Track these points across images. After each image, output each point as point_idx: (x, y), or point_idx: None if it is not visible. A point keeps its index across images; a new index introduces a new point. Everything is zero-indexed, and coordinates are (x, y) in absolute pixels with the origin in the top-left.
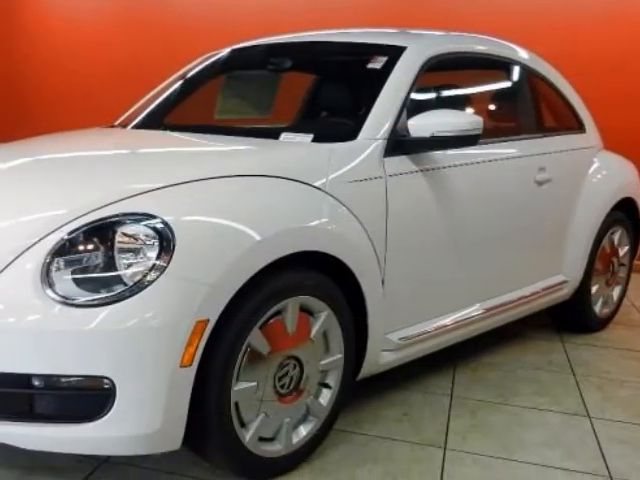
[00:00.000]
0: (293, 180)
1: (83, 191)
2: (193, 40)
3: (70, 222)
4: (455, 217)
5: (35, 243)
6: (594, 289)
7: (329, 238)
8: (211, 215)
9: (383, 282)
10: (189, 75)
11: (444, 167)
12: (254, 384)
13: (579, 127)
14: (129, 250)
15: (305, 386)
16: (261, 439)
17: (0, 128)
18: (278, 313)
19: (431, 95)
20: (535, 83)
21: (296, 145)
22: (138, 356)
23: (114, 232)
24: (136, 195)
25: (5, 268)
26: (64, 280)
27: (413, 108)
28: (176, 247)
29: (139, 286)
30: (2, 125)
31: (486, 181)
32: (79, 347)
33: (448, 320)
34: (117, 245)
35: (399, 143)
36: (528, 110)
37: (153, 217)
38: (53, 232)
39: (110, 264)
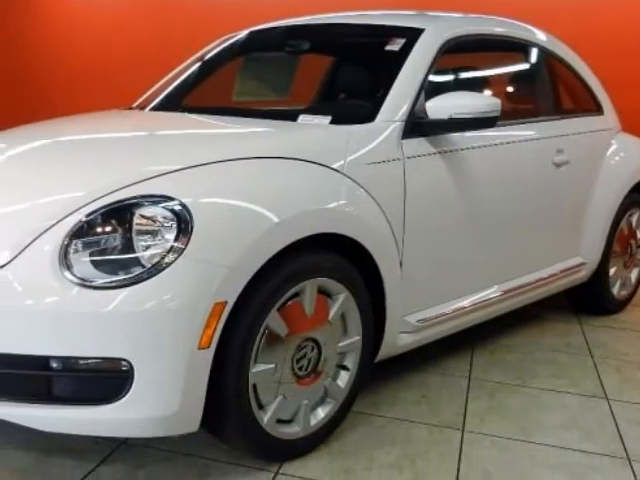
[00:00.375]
0: (311, 162)
1: (101, 173)
2: (211, 22)
3: (88, 204)
4: (473, 199)
5: (53, 225)
6: (612, 271)
7: (347, 220)
8: (229, 197)
9: (401, 264)
10: (207, 57)
11: (462, 149)
12: (272, 366)
13: (597, 109)
14: (147, 232)
15: (323, 368)
16: (279, 421)
17: (18, 110)
18: (296, 295)
19: (449, 77)
20: (553, 65)
21: (314, 127)
22: (156, 338)
23: (132, 214)
24: (154, 177)
25: (23, 250)
26: (82, 262)
27: (431, 90)
28: (194, 229)
29: (157, 268)
30: (20, 107)
31: (504, 163)
32: (97, 329)
33: (466, 302)
34: (135, 227)
35: (417, 125)
36: (546, 92)
37: (171, 199)
38: (71, 214)
39: (128, 246)
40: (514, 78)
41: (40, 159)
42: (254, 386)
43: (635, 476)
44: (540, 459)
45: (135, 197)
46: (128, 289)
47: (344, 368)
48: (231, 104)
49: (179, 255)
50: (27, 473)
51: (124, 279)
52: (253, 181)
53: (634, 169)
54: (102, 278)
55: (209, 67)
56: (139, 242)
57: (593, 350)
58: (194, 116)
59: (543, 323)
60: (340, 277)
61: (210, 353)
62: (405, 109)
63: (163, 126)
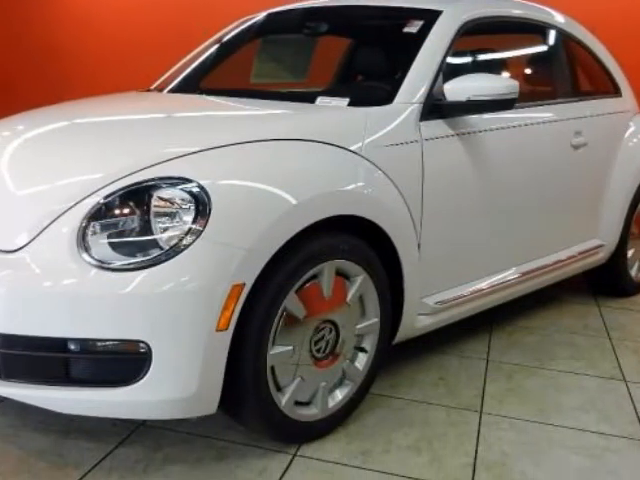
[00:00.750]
0: (329, 144)
1: (119, 155)
2: (230, 4)
3: (106, 186)
4: (491, 181)
5: (71, 207)
6: (630, 253)
7: (365, 202)
8: (247, 179)
9: (419, 246)
10: (225, 39)
11: (480, 131)
12: (290, 348)
13: (615, 91)
14: (165, 214)
15: (341, 350)
16: (297, 403)
17: (37, 91)
18: (314, 277)
19: (467, 59)
20: (571, 47)
21: (332, 109)
22: (174, 320)
23: (150, 196)
24: (172, 159)
25: (41, 232)
26: (100, 244)
27: (449, 72)
28: (212, 211)
29: (175, 250)
30: (39, 88)
31: (522, 145)
32: (115, 311)
33: (484, 284)
34: (153, 209)
35: (435, 107)
36: (564, 74)
37: (189, 181)
38: (89, 196)
39: (146, 228)
40: (532, 60)
41: (58, 141)
42: (272, 368)
43: None
44: (558, 441)
45: (153, 179)
46: (146, 271)
47: (362, 350)
48: (249, 86)
49: (197, 237)
50: (45, 455)
51: (142, 261)
52: (271, 163)
53: None
54: (120, 260)
55: (227, 49)
56: (157, 224)
57: (611, 332)
58: (212, 98)
59: (561, 305)
60: (358, 259)
61: (228, 335)
62: (423, 91)
63: (181, 108)
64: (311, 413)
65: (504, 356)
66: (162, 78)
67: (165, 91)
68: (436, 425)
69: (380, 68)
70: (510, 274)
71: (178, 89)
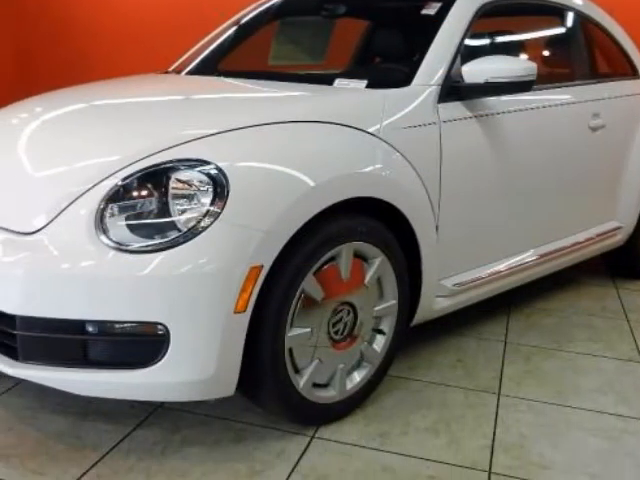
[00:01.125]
0: (347, 126)
1: (137, 137)
2: None
3: (124, 168)
4: (509, 163)
5: (89, 189)
6: None
7: (383, 184)
8: (265, 161)
9: (437, 228)
10: (243, 21)
11: (498, 113)
12: (308, 330)
13: (633, 73)
14: (183, 196)
15: (359, 332)
16: (315, 385)
17: (54, 73)
18: (332, 259)
19: (485, 41)
20: (589, 29)
21: (350, 91)
22: (192, 302)
23: (168, 178)
24: (190, 141)
25: (59, 214)
26: (118, 226)
27: (467, 54)
28: (230, 193)
29: (193, 232)
30: (56, 70)
31: (540, 127)
32: (133, 293)
33: (502, 266)
34: (171, 191)
35: (453, 89)
36: (582, 56)
37: (207, 163)
38: (107, 178)
39: (164, 210)
40: (550, 42)
41: (76, 123)
42: (290, 350)
43: None
44: (576, 423)
45: (171, 161)
46: (164, 253)
47: (380, 332)
48: (267, 68)
49: (215, 219)
50: (63, 437)
51: (160, 243)
52: (289, 145)
53: None
54: (138, 242)
55: (245, 31)
56: (175, 206)
57: (629, 314)
58: (230, 80)
59: (579, 287)
60: (376, 241)
61: (246, 317)
62: (441, 73)
63: (199, 90)
64: (329, 395)
65: (522, 338)
66: (180, 60)
67: (183, 73)
68: (454, 407)
69: (398, 50)
70: (528, 256)
71: (196, 71)
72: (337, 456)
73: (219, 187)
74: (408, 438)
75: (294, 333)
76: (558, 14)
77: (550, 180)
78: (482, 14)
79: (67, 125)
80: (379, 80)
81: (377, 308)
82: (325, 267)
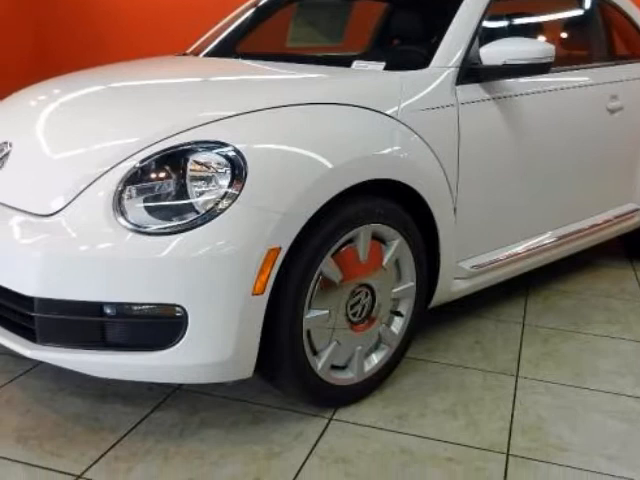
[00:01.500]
0: (365, 108)
1: (155, 119)
2: None
3: (142, 150)
4: (527, 145)
5: (107, 171)
6: None
7: (401, 166)
8: (283, 143)
9: (455, 210)
10: (261, 3)
11: (516, 95)
12: (326, 312)
13: None
14: (201, 178)
15: (377, 314)
16: (333, 367)
17: (72, 56)
18: (350, 241)
19: (503, 23)
20: (606, 10)
21: (368, 73)
22: (210, 284)
23: (186, 160)
24: (208, 123)
25: (77, 196)
26: (136, 208)
27: (485, 36)
28: (248, 175)
29: (211, 214)
30: (74, 53)
31: (558, 109)
32: (151, 275)
33: (520, 248)
34: (189, 173)
35: (471, 71)
36: (599, 38)
37: (225, 145)
38: (125, 160)
39: (182, 192)
40: (567, 24)
41: (94, 105)
42: (308, 332)
43: None
44: (594, 405)
45: (189, 143)
46: (182, 235)
47: (398, 314)
48: (285, 50)
49: (233, 201)
50: (81, 419)
51: (178, 225)
52: (307, 127)
53: None
54: (156, 224)
55: (263, 13)
56: (193, 188)
57: None
58: (248, 62)
59: (597, 269)
60: (394, 223)
61: (264, 299)
62: (459, 55)
63: (217, 72)
64: (347, 377)
65: (540, 320)
66: (198, 42)
67: (201, 55)
68: (472, 389)
69: (416, 32)
70: (546, 238)
71: (214, 53)
72: (355, 438)
73: (237, 169)
74: (426, 420)
75: (312, 315)
76: None
77: (568, 162)
78: None
79: (85, 107)
80: (397, 62)
81: (395, 290)
82: (343, 249)
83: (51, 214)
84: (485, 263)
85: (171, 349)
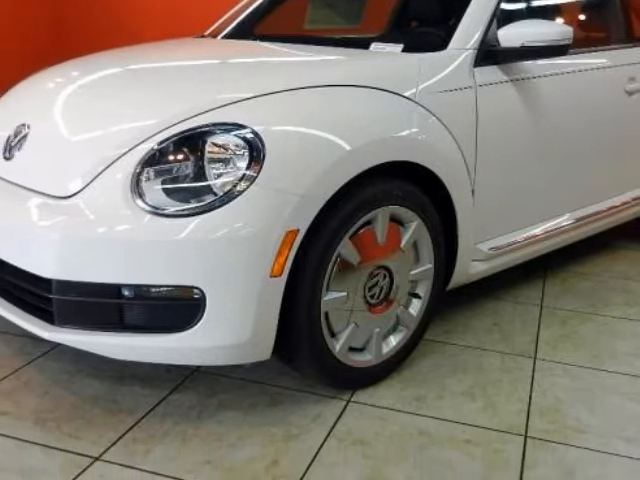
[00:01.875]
0: (383, 90)
1: (173, 101)
2: None
3: (160, 132)
4: (545, 127)
5: (125, 153)
6: None
7: (420, 148)
8: (301, 125)
9: (473, 192)
10: None
11: (534, 77)
12: (344, 294)
13: None
14: (219, 160)
15: (395, 296)
16: (351, 349)
17: (90, 40)
18: (368, 223)
19: (521, 5)
20: None
21: (386, 55)
22: (228, 266)
23: (204, 142)
24: (226, 105)
25: (95, 178)
26: (154, 190)
27: (503, 18)
28: (266, 157)
29: (229, 196)
30: (92, 37)
31: (576, 91)
32: (169, 257)
33: (538, 230)
34: (207, 155)
35: (489, 53)
36: (617, 20)
37: (243, 127)
38: (143, 142)
39: (200, 174)
40: (585, 6)
41: (112, 87)
42: (326, 314)
43: None
44: (612, 387)
45: (207, 125)
46: (200, 217)
47: (416, 296)
48: (303, 32)
49: (251, 183)
50: (99, 401)
51: (196, 207)
52: (325, 109)
53: None
54: (174, 206)
55: None
56: (211, 170)
57: None
58: (266, 44)
59: (615, 251)
60: (412, 205)
61: (282, 281)
62: (477, 37)
63: (235, 54)
64: (365, 359)
65: (558, 302)
66: (216, 24)
67: (219, 37)
68: (490, 371)
69: (434, 14)
70: (564, 220)
71: (232, 35)
72: (373, 420)
73: (255, 151)
74: (444, 402)
75: (330, 297)
76: None
77: (586, 144)
78: None
79: (103, 89)
80: (415, 44)
81: (413, 272)
82: (361, 231)
83: (69, 196)
84: (503, 245)
85: (189, 331)
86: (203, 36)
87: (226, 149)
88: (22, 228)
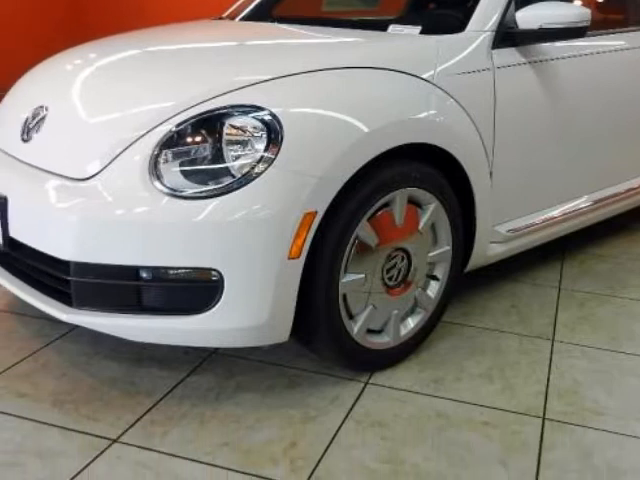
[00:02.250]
0: (401, 72)
1: (191, 83)
2: None
3: (178, 114)
4: (563, 109)
5: (143, 135)
6: None
7: (437, 130)
8: (319, 107)
9: (491, 174)
10: None
11: (552, 59)
12: (362, 276)
13: None
14: (237, 142)
15: (413, 278)
16: (369, 331)
17: (109, 22)
18: (386, 205)
19: None
20: None
21: (404, 37)
22: (246, 248)
23: (222, 124)
24: (244, 87)
25: (113, 160)
26: (172, 172)
27: (521, 0)
28: (284, 139)
29: (247, 178)
30: (111, 19)
31: (594, 73)
32: (187, 239)
33: (556, 212)
34: (225, 137)
35: (507, 35)
36: (636, 1)
37: (261, 109)
38: (161, 124)
39: (218, 156)
40: None
41: (130, 69)
42: (344, 296)
43: None
44: (630, 369)
45: (225, 107)
46: (218, 199)
47: (434, 278)
48: (321, 14)
49: (269, 165)
50: (117, 383)
51: (214, 189)
52: (343, 91)
53: None
54: (192, 188)
55: None
56: (229, 152)
57: None
58: (284, 26)
59: (633, 233)
60: (430, 187)
61: (300, 263)
62: (495, 19)
63: (253, 36)
64: (383, 341)
65: (576, 284)
66: (234, 6)
67: (237, 19)
68: (508, 353)
69: None
70: (582, 202)
71: (250, 17)
72: (391, 402)
73: (273, 133)
74: (462, 384)
75: (348, 279)
76: None
77: (604, 126)
78: None
79: (121, 71)
80: (433, 26)
81: (431, 254)
82: (379, 213)
83: (87, 178)
84: (521, 227)
85: (207, 313)
86: (221, 18)
87: (244, 131)
88: (40, 210)
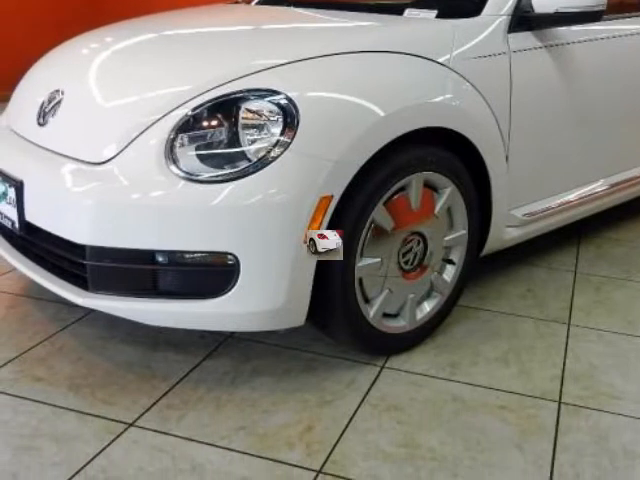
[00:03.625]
0: (417, 56)
1: (207, 67)
2: None
3: (194, 98)
4: (579, 93)
5: (159, 119)
6: None
7: (454, 114)
8: (335, 91)
9: (507, 158)
10: None
11: (568, 43)
12: (378, 260)
13: None
14: (253, 126)
15: (429, 262)
16: (385, 315)
17: (130, 3)
18: (402, 189)
19: None
20: None
21: (420, 21)
22: (262, 232)
23: (238, 108)
24: (260, 71)
25: (129, 144)
26: (188, 156)
27: None
28: (300, 123)
29: (263, 162)
30: (132, 3)
31: (610, 57)
32: (203, 223)
33: (572, 196)
34: (241, 121)
35: (523, 19)
36: None
37: (277, 93)
38: (177, 108)
39: (234, 140)
40: None
41: (146, 53)
42: (360, 280)
43: None
44: None
45: (241, 91)
46: (234, 183)
47: (450, 262)
48: None
49: (285, 149)
50: (133, 367)
51: (230, 173)
52: (359, 75)
53: None
54: (208, 172)
55: None
56: (245, 136)
57: None
58: (300, 10)
59: None
60: (446, 171)
61: None
62: (511, 3)
63: (269, 20)
64: (399, 325)
65: (592, 268)
66: None
67: (253, 3)
68: (524, 337)
69: None
70: (598, 186)
71: (266, 1)
72: (407, 386)
73: (289, 117)
74: (478, 368)
75: (364, 263)
76: None
77: (620, 110)
78: None
79: (137, 55)
80: (449, 10)
81: (447, 238)
82: (395, 197)
83: (103, 162)
84: (537, 211)
85: (223, 297)
86: (237, 2)
87: (260, 115)
88: (56, 194)
